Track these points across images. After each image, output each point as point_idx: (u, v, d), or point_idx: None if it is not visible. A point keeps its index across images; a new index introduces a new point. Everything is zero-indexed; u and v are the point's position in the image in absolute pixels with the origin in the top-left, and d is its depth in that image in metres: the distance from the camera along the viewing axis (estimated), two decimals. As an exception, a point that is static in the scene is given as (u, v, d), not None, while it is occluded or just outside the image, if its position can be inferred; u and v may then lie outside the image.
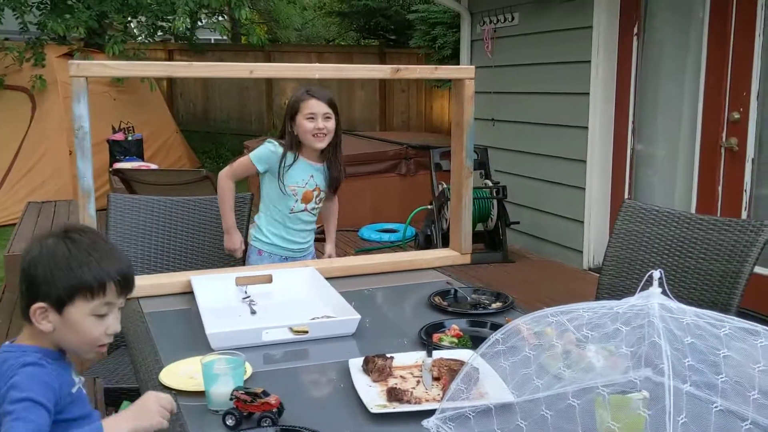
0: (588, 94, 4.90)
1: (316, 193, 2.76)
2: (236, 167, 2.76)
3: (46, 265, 1.38)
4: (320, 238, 2.95)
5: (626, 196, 4.87)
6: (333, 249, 2.95)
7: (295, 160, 2.70)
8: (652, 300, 1.31)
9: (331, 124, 2.67)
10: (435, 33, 7.59)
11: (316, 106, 2.64)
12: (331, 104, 2.68)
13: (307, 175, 2.73)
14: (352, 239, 6.22)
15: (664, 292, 1.31)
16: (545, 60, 5.30)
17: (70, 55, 8.02)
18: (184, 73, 2.30)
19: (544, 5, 5.26)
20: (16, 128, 7.46)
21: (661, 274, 1.30)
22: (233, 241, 2.74)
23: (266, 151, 2.71)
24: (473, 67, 2.51)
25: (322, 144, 2.67)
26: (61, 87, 7.59)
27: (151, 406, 1.40)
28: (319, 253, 2.97)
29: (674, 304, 1.33)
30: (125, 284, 1.44)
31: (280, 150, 2.70)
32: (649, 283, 1.35)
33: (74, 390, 1.43)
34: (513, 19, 5.57)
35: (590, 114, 4.91)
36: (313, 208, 2.79)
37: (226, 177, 2.74)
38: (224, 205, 2.74)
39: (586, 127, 4.94)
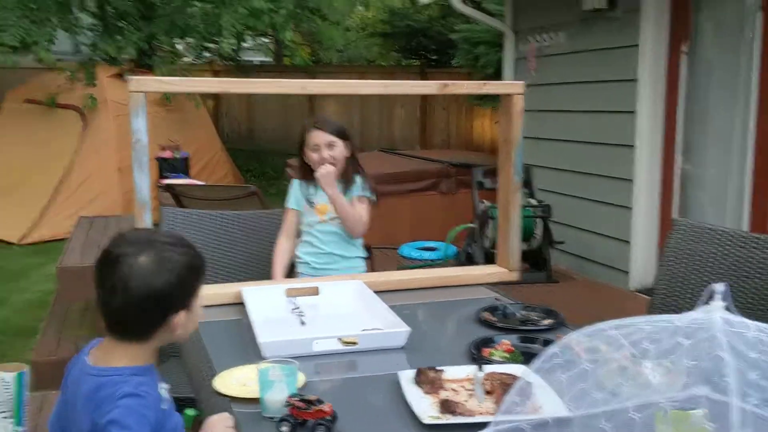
0: (634, 112, 4.85)
1: (330, 205, 2.78)
2: (283, 223, 2.84)
3: (167, 277, 1.37)
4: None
5: (675, 215, 4.79)
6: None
7: (317, 189, 2.77)
8: (715, 314, 1.29)
9: (337, 151, 2.72)
10: (477, 52, 7.61)
11: (319, 137, 2.71)
12: (337, 133, 2.73)
13: (323, 195, 2.77)
14: (392, 257, 6.21)
15: (727, 307, 1.29)
16: (590, 78, 5.26)
17: (120, 75, 8.25)
18: (238, 89, 2.35)
19: (590, 24, 5.24)
20: (67, 145, 7.67)
21: (726, 287, 1.27)
22: None
23: (289, 192, 2.85)
24: (522, 82, 2.51)
25: None
26: (111, 106, 7.81)
27: (217, 426, 1.48)
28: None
29: (736, 318, 1.30)
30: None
31: (296, 181, 2.83)
32: (709, 297, 1.33)
33: (164, 406, 1.42)
34: (558, 37, 5.56)
35: (637, 133, 4.85)
36: (333, 218, 2.78)
37: (278, 236, 2.82)
38: (273, 261, 2.79)
39: (633, 146, 4.88)
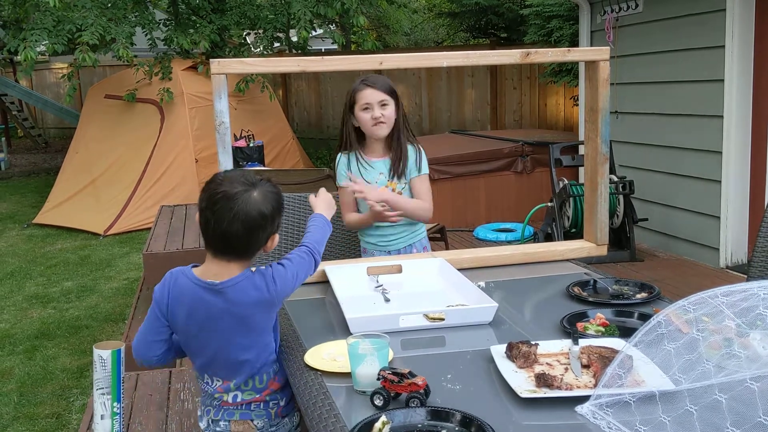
0: (722, 80, 4.61)
1: (390, 188, 2.59)
2: (342, 204, 2.65)
3: (272, 206, 1.74)
4: (433, 237, 2.85)
5: (768, 188, 4.54)
6: (388, 195, 2.56)
7: (358, 159, 2.59)
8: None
9: (389, 110, 2.50)
10: (550, 26, 7.38)
11: (371, 95, 2.48)
12: (389, 91, 2.52)
13: (376, 174, 2.60)
14: (467, 239, 6.15)
15: None
16: (673, 47, 5.03)
17: (194, 68, 8.44)
18: (315, 67, 2.33)
19: (671, -10, 5.01)
20: (146, 139, 7.91)
21: None
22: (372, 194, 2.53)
23: (339, 169, 2.64)
24: (608, 48, 2.40)
25: (382, 132, 2.52)
26: (186, 98, 7.99)
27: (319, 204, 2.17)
28: (435, 245, 2.87)
29: None
30: None
31: (343, 158, 2.62)
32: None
33: None
34: (637, 6, 5.33)
35: (725, 102, 4.62)
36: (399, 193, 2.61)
37: (346, 220, 2.68)
38: (359, 222, 2.66)
39: (721, 116, 4.64)
